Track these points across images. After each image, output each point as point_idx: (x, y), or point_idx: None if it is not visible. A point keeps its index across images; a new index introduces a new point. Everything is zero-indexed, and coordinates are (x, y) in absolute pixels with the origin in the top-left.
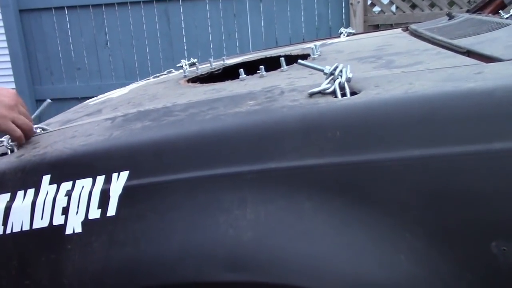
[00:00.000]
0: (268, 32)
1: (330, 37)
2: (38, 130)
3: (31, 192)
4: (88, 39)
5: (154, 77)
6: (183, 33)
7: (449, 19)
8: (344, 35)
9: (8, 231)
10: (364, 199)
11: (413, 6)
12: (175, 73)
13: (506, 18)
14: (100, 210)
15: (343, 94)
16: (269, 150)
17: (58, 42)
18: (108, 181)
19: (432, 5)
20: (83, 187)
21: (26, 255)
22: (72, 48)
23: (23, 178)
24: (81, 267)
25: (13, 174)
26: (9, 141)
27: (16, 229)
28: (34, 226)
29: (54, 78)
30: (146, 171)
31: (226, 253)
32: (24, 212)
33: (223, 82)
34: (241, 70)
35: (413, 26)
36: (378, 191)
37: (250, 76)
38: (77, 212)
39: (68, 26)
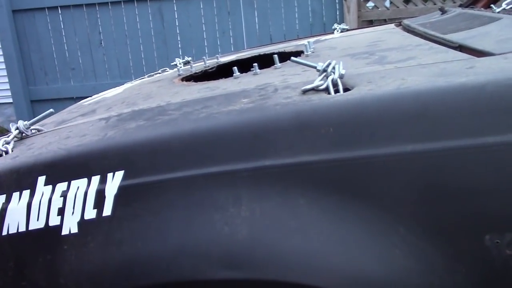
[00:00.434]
0: (262, 29)
1: (324, 34)
2: (33, 131)
3: (26, 193)
4: (82, 38)
5: (148, 76)
6: (177, 31)
7: (441, 14)
8: (337, 31)
9: (4, 232)
10: (358, 195)
11: (407, 1)
12: (170, 71)
13: (498, 12)
14: (95, 210)
15: (336, 91)
16: (263, 148)
17: (52, 42)
18: (103, 181)
19: (425, 0)
20: (78, 187)
21: (23, 256)
22: (66, 48)
23: (18, 180)
24: (78, 267)
25: (8, 176)
26: (3, 143)
27: (12, 230)
28: (30, 227)
29: (49, 79)
30: (141, 170)
31: (221, 251)
32: (20, 213)
33: (217, 80)
34: (235, 68)
35: (405, 22)
36: (371, 186)
37: (243, 74)
38: (73, 213)
39: (62, 26)
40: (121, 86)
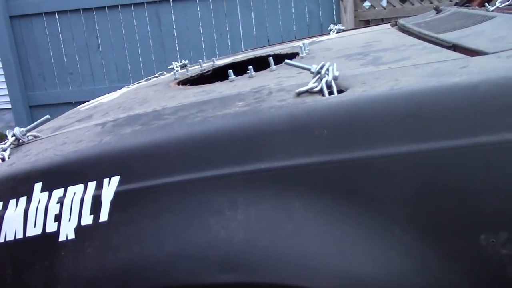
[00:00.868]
0: (260, 31)
1: (321, 34)
2: (30, 138)
3: (23, 200)
4: (80, 43)
5: (145, 80)
6: (175, 34)
7: (436, 13)
8: (333, 31)
9: (2, 240)
10: (353, 196)
11: (403, 0)
12: (166, 75)
13: (492, 10)
14: (92, 216)
15: (330, 93)
16: (258, 151)
17: (50, 47)
18: (99, 186)
19: None
20: (75, 193)
21: (20, 263)
22: (64, 53)
23: (15, 187)
24: (75, 273)
25: (4, 183)
26: (0, 150)
27: (10, 237)
28: (28, 234)
29: (47, 84)
30: (137, 175)
31: (218, 254)
32: (17, 220)
33: (213, 84)
34: (230, 71)
35: (401, 21)
36: (366, 188)
37: (239, 77)
38: (69, 219)
39: (59, 31)
40: (118, 90)
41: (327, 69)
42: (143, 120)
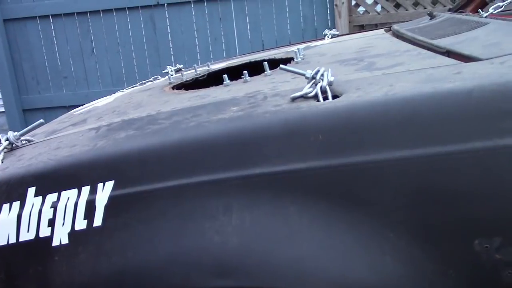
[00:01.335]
0: (254, 35)
1: (315, 39)
2: (23, 142)
3: (16, 205)
4: (74, 47)
5: (140, 84)
6: (169, 39)
7: (430, 19)
8: (328, 37)
9: None
10: (348, 201)
11: (397, 6)
12: (161, 79)
13: (485, 16)
14: (86, 220)
15: (325, 98)
16: (252, 156)
17: (44, 51)
18: (93, 191)
19: (415, 4)
20: (68, 198)
21: (14, 268)
22: (58, 57)
23: (8, 191)
24: (69, 278)
25: None
26: None
27: (3, 242)
28: (21, 239)
29: (41, 88)
30: (131, 180)
31: (212, 259)
32: (10, 225)
33: (207, 88)
34: (225, 76)
35: (395, 27)
36: (361, 193)
37: (234, 82)
38: (63, 224)
39: (54, 35)
40: (112, 94)
41: (322, 75)
42: (138, 125)
